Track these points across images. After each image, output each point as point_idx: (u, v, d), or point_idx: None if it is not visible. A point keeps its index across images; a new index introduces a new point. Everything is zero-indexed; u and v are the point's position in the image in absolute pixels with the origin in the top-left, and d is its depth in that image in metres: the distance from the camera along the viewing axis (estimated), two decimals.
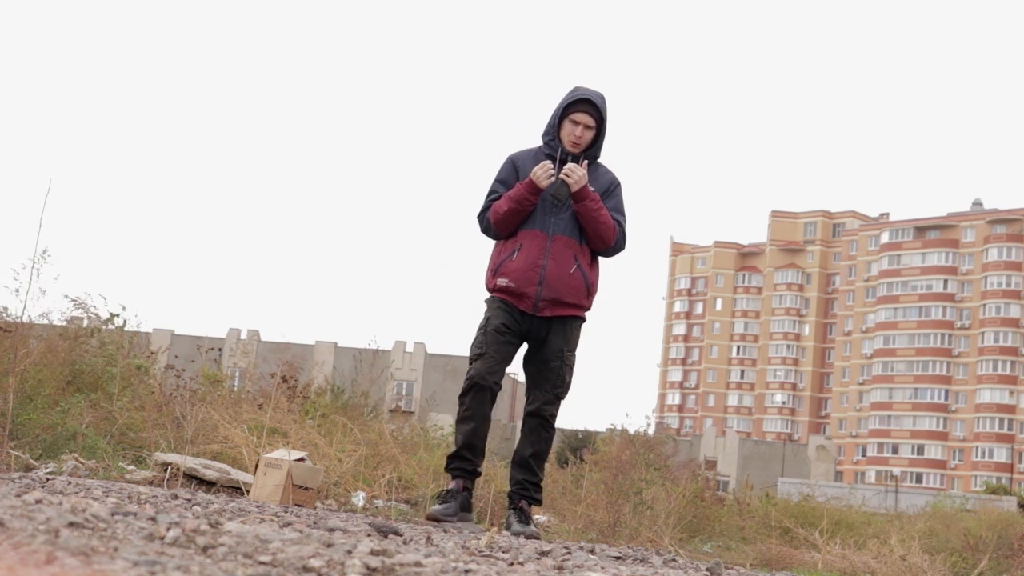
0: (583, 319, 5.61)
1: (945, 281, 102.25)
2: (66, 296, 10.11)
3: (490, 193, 5.57)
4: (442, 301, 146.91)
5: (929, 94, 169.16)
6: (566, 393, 5.57)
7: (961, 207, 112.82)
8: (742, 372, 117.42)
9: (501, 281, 5.46)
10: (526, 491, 5.53)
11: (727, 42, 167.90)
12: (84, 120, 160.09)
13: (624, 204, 5.65)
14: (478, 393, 5.44)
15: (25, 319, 8.23)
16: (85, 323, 10.60)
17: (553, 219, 5.44)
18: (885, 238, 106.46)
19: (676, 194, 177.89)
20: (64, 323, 10.44)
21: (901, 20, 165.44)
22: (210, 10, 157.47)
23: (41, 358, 8.76)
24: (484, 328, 5.49)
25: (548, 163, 5.41)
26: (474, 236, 5.72)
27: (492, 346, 5.43)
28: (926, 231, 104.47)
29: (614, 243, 5.55)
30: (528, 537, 5.17)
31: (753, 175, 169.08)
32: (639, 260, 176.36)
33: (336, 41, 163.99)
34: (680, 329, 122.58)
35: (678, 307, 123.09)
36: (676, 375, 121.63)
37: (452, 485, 5.55)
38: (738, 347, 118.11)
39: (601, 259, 5.68)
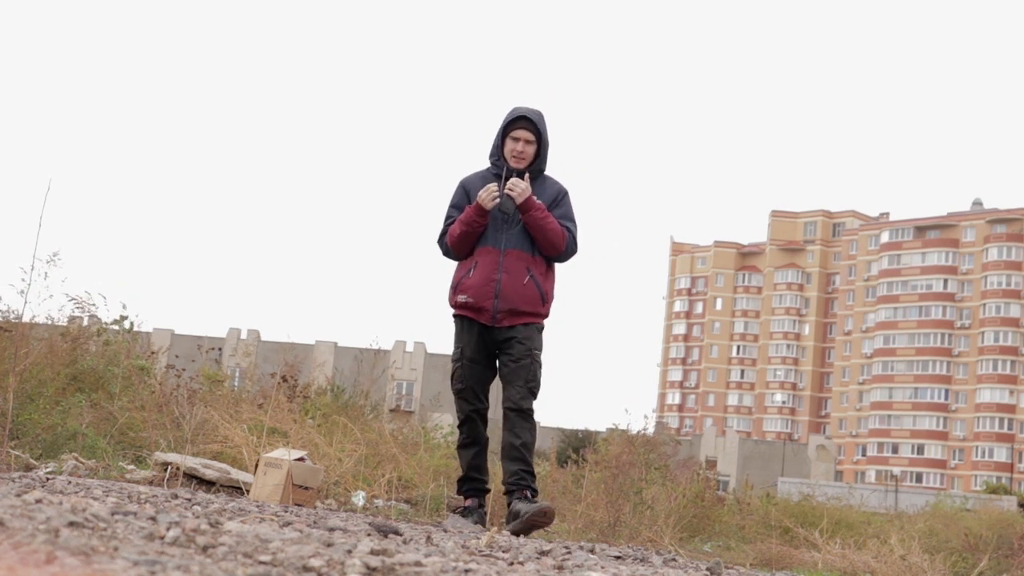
0: (541, 326, 5.87)
1: (945, 281, 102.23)
2: (66, 295, 10.11)
3: (446, 219, 5.92)
4: (442, 301, 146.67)
5: (929, 94, 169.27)
6: (538, 388, 5.79)
7: (961, 207, 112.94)
8: (742, 372, 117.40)
9: (461, 297, 5.78)
10: (524, 480, 5.67)
11: (727, 42, 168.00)
12: (84, 120, 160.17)
13: (573, 211, 5.92)
14: (472, 422, 5.86)
15: (26, 319, 8.23)
16: (86, 322, 10.60)
17: (504, 235, 5.74)
18: (885, 238, 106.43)
19: (676, 194, 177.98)
20: (65, 323, 10.43)
21: (901, 20, 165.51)
22: (210, 10, 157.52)
23: (42, 358, 8.76)
24: (460, 360, 5.84)
25: (492, 186, 5.71)
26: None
27: (471, 378, 5.81)
28: (926, 231, 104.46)
29: (564, 248, 5.81)
30: (544, 512, 5.41)
31: (753, 175, 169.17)
32: (639, 260, 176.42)
33: (336, 41, 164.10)
34: (680, 329, 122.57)
35: (678, 307, 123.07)
36: (676, 375, 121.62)
37: (468, 503, 5.90)
38: (738, 347, 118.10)
39: (561, 266, 6.00)
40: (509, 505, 5.71)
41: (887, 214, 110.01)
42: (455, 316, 5.88)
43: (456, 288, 5.82)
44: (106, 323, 10.31)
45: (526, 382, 5.73)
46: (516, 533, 5.34)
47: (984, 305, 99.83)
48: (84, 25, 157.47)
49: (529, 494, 5.65)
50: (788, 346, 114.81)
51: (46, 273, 7.60)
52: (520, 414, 5.72)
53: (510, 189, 5.67)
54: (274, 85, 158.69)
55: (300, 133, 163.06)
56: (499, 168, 5.81)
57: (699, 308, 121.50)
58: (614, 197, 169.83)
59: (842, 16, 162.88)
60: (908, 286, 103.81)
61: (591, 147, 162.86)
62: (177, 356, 13.38)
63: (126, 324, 10.44)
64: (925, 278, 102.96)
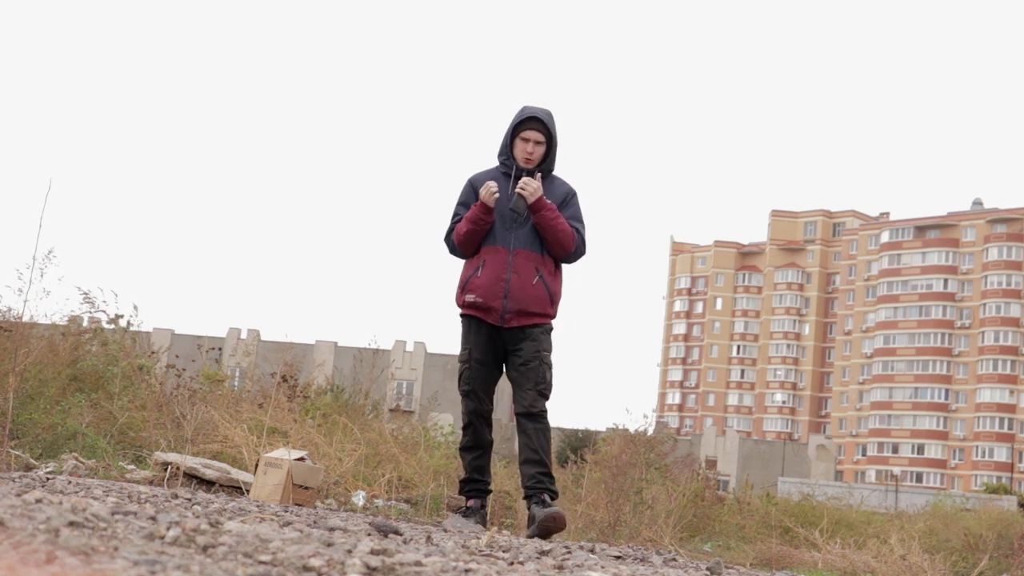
0: (550, 327, 5.85)
1: (945, 280, 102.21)
2: (78, 288, 10.13)
3: (453, 216, 5.86)
4: (442, 301, 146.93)
5: (929, 94, 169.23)
6: (549, 391, 5.77)
7: (961, 206, 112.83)
8: (742, 371, 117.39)
9: (469, 297, 5.73)
10: (542, 484, 5.65)
11: (727, 42, 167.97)
12: (84, 120, 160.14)
13: (582, 212, 5.90)
14: (476, 425, 5.81)
15: (27, 319, 8.23)
16: (86, 321, 10.60)
17: (513, 234, 5.71)
18: (885, 237, 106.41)
19: (676, 194, 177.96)
20: (65, 322, 10.43)
21: (901, 20, 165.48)
22: (210, 10, 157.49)
23: (43, 358, 8.76)
24: (468, 361, 5.80)
25: (492, 183, 5.68)
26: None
27: (478, 380, 5.77)
28: (926, 230, 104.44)
29: (574, 249, 5.80)
30: (553, 518, 5.39)
31: (753, 175, 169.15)
32: (639, 260, 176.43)
33: (336, 41, 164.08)
34: (680, 328, 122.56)
35: (678, 306, 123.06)
36: (676, 374, 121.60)
37: (470, 504, 5.87)
38: (738, 346, 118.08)
39: (567, 267, 5.95)
40: (529, 509, 5.70)
41: (887, 214, 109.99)
42: (462, 316, 5.83)
43: (464, 287, 5.77)
44: (108, 316, 10.31)
45: (535, 384, 5.69)
46: (532, 538, 5.27)
47: (984, 305, 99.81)
48: (84, 25, 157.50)
49: (548, 497, 5.62)
50: (788, 346, 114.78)
51: (42, 271, 7.61)
52: (532, 418, 5.70)
53: (522, 188, 5.63)
54: (274, 85, 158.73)
55: (300, 133, 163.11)
56: (508, 167, 5.79)
57: (699, 308, 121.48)
58: (614, 197, 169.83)
59: (842, 16, 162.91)
60: (908, 286, 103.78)
61: (591, 147, 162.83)
62: (177, 356, 13.38)
63: (123, 323, 10.44)
64: (925, 278, 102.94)
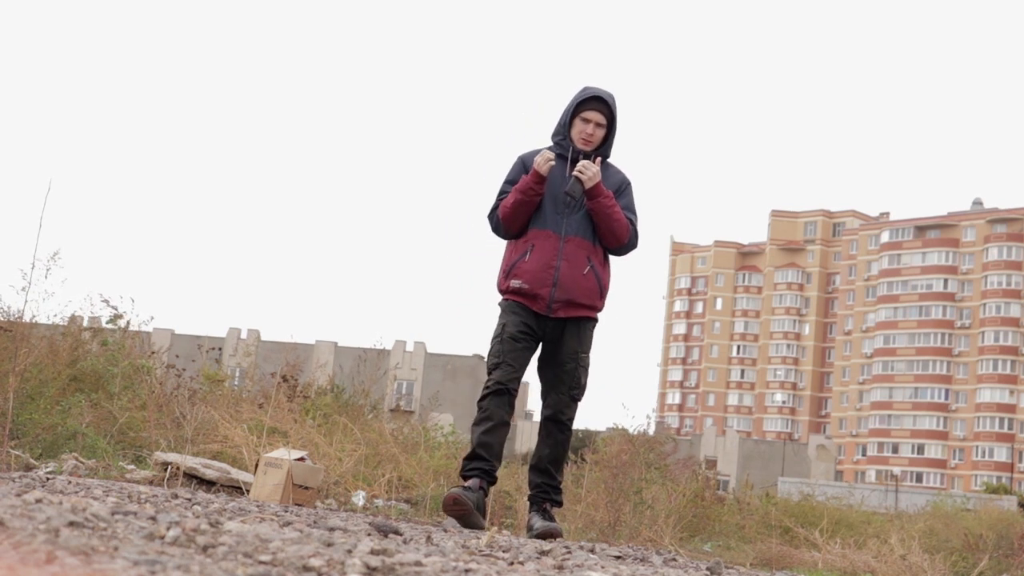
0: (596, 320, 5.56)
1: (945, 280, 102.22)
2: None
3: (500, 193, 5.54)
4: (442, 301, 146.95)
5: (929, 94, 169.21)
6: (582, 395, 5.52)
7: (961, 206, 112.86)
8: (742, 371, 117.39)
9: (515, 283, 5.42)
10: (546, 494, 5.50)
11: (727, 42, 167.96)
12: (84, 120, 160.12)
13: (636, 203, 5.64)
14: (497, 397, 5.38)
15: (27, 318, 8.23)
16: (86, 321, 10.61)
17: (565, 220, 5.40)
18: (885, 237, 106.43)
19: (676, 194, 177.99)
20: (66, 322, 10.44)
21: (901, 20, 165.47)
22: (210, 10, 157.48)
23: (43, 358, 8.76)
24: (500, 336, 5.44)
25: (548, 151, 5.40)
26: (477, 236, 5.78)
27: (509, 355, 5.39)
28: (926, 230, 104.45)
29: (627, 241, 5.52)
30: (552, 534, 5.19)
31: (753, 175, 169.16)
32: (639, 259, 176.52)
33: (336, 41, 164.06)
34: (680, 328, 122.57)
35: (678, 306, 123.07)
36: (676, 374, 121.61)
37: (468, 483, 5.39)
38: (738, 346, 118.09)
39: (611, 258, 5.67)
40: (529, 513, 5.54)
41: (887, 214, 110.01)
42: (503, 302, 5.50)
43: (509, 272, 5.44)
44: (119, 314, 10.35)
45: (570, 389, 5.46)
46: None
47: (984, 305, 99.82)
48: (84, 25, 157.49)
49: (549, 506, 5.47)
50: (788, 346, 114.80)
51: (47, 272, 7.62)
52: (558, 425, 5.47)
53: (580, 171, 5.31)
54: (274, 85, 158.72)
55: (300, 133, 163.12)
56: (564, 148, 5.49)
57: (699, 308, 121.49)
58: None
59: (842, 16, 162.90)
60: (908, 286, 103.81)
61: None
62: (177, 356, 13.40)
63: (121, 323, 10.46)
64: (925, 278, 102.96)
